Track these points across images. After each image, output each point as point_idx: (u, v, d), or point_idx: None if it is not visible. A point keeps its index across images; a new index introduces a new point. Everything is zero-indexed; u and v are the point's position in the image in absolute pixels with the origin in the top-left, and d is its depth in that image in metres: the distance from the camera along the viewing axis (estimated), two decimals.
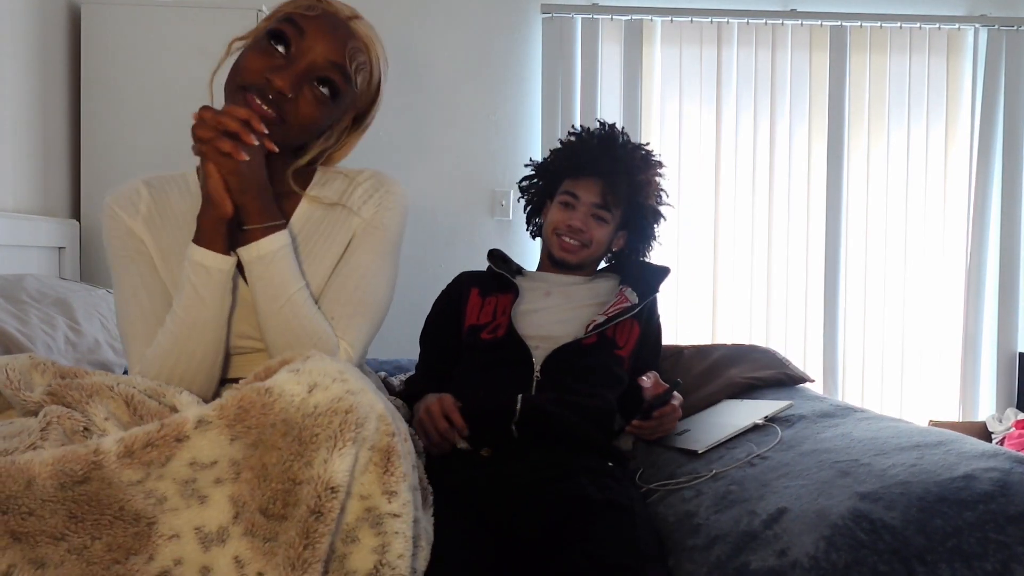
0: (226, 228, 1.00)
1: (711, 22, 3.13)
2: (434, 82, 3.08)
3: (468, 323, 1.49)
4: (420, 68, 3.06)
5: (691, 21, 3.12)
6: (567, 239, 1.54)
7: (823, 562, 0.84)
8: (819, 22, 3.15)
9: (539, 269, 1.64)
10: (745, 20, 3.13)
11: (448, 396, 1.31)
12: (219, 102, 1.03)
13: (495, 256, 1.61)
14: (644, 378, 1.33)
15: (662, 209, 1.63)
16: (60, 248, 2.44)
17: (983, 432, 3.10)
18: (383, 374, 1.73)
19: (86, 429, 0.84)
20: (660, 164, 1.60)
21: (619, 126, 1.63)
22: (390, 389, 1.53)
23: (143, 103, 2.62)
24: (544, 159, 1.68)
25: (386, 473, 0.80)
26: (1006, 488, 0.87)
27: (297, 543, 0.74)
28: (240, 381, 0.86)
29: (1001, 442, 2.94)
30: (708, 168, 3.18)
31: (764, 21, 3.14)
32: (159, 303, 1.09)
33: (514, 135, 3.10)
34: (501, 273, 1.54)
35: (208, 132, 0.94)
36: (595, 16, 3.08)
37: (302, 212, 1.14)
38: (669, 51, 3.16)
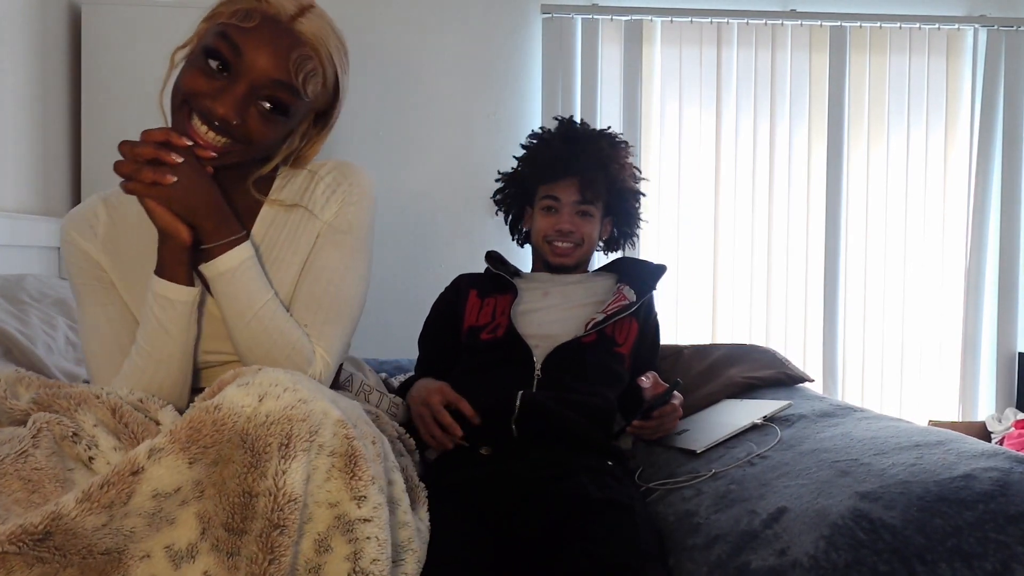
0: (187, 256, 0.96)
1: (711, 22, 3.13)
2: (434, 82, 3.08)
3: (467, 324, 1.50)
4: (420, 68, 3.07)
5: (691, 21, 3.12)
6: (559, 243, 1.54)
7: (823, 562, 0.84)
8: (819, 22, 3.16)
9: (534, 271, 1.64)
10: (745, 20, 3.13)
11: (447, 386, 1.31)
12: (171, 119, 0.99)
13: (493, 258, 1.61)
14: (644, 378, 1.33)
15: (640, 186, 1.64)
16: (60, 248, 2.44)
17: (983, 432, 3.10)
18: (384, 375, 1.73)
19: (75, 435, 0.83)
20: (626, 144, 1.60)
21: (576, 118, 1.62)
22: (389, 390, 1.53)
23: (143, 103, 2.62)
24: (513, 168, 1.66)
25: (352, 478, 0.78)
26: (1006, 488, 0.87)
27: (260, 558, 0.73)
28: (197, 397, 0.85)
29: (1001, 442, 2.94)
30: (708, 168, 3.18)
31: (764, 21, 3.14)
32: (121, 331, 1.06)
33: (514, 135, 3.10)
34: (499, 274, 1.55)
35: (128, 166, 0.90)
36: (595, 16, 3.08)
37: (264, 218, 1.09)
38: (669, 51, 3.16)
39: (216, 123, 0.94)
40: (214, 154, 0.94)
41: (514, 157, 1.66)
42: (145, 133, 0.90)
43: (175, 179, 0.90)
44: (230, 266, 0.97)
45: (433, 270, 3.01)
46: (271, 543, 0.73)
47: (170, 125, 0.97)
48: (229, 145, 0.96)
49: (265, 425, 0.75)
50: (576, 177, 1.52)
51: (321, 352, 1.04)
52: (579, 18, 3.08)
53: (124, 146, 0.90)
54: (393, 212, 3.07)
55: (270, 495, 0.74)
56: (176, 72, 0.99)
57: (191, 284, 0.97)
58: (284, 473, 0.74)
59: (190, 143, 0.93)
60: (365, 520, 0.78)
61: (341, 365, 1.25)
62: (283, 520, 0.74)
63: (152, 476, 0.74)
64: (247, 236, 1.00)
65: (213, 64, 0.94)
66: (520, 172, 1.63)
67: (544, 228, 1.56)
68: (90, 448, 0.84)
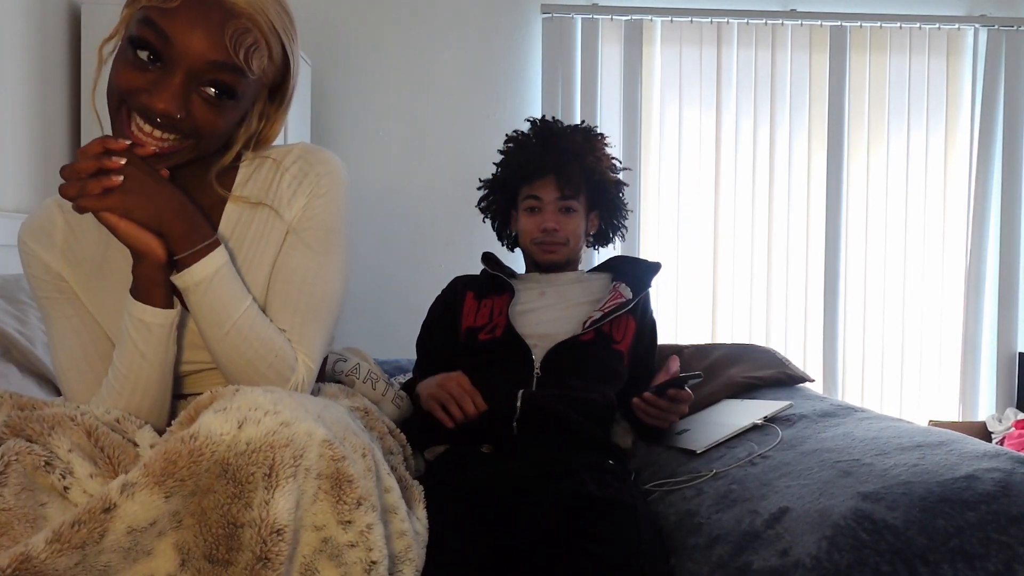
0: (164, 275, 0.90)
1: (711, 22, 3.13)
2: (434, 82, 3.08)
3: (465, 325, 1.50)
4: (420, 68, 3.06)
5: (691, 21, 3.12)
6: (545, 243, 1.54)
7: (825, 562, 0.84)
8: (819, 22, 3.16)
9: (527, 272, 1.64)
10: (745, 20, 3.13)
11: (463, 375, 1.33)
12: (107, 124, 0.91)
13: (489, 259, 1.62)
14: (674, 356, 1.35)
15: (620, 175, 1.64)
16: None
17: (983, 432, 3.10)
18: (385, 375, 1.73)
19: (48, 463, 0.79)
20: (602, 136, 1.60)
21: (549, 116, 1.63)
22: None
23: None
24: (493, 174, 1.66)
25: (339, 502, 0.76)
26: (1008, 488, 0.87)
27: None
28: (186, 401, 0.81)
29: (1001, 442, 2.94)
30: (708, 168, 3.18)
31: (764, 21, 3.14)
32: (88, 343, 1.01)
33: None
34: (496, 275, 1.55)
35: (73, 187, 0.82)
36: (595, 16, 3.08)
37: (230, 216, 1.01)
38: (669, 51, 3.16)
39: (158, 120, 0.85)
40: (154, 148, 0.86)
41: (494, 164, 1.66)
42: (80, 151, 0.83)
43: (121, 178, 0.83)
44: (205, 274, 0.90)
45: (433, 270, 3.01)
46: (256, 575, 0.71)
47: (110, 130, 0.89)
48: (178, 142, 0.88)
49: (247, 454, 0.71)
50: (553, 174, 1.52)
51: (303, 356, 0.98)
52: (579, 18, 3.08)
53: (64, 171, 0.83)
54: (393, 212, 3.07)
55: (255, 526, 0.71)
56: (107, 69, 0.90)
57: (169, 306, 0.91)
58: (268, 503, 0.71)
59: (128, 143, 0.85)
60: (351, 545, 0.76)
61: (326, 359, 1.24)
62: (267, 552, 0.71)
63: (126, 513, 0.70)
64: (219, 241, 0.93)
65: (142, 55, 0.85)
66: (500, 176, 1.63)
67: (529, 229, 1.55)
68: (65, 476, 0.80)
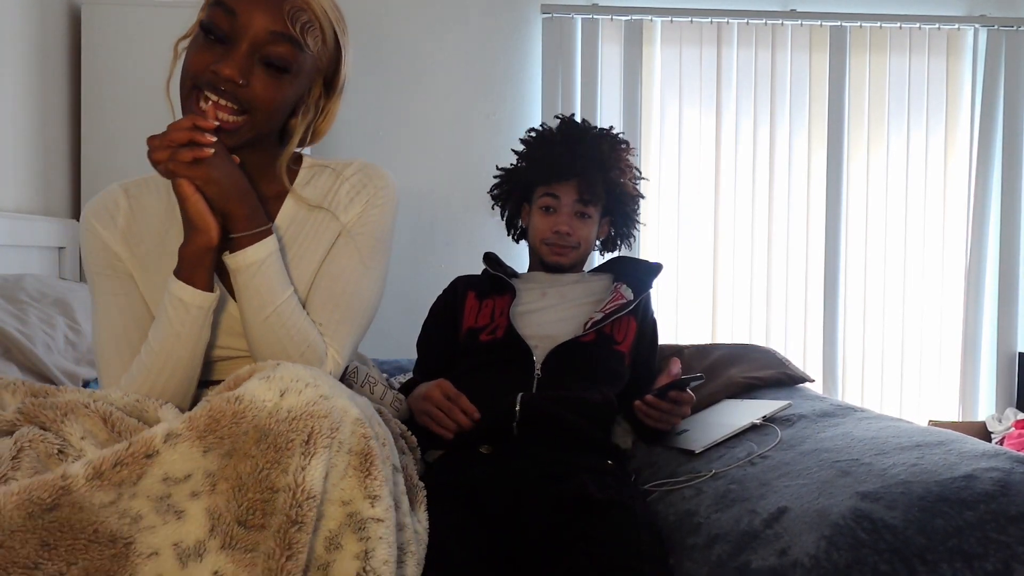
0: (210, 259, 0.95)
1: (711, 22, 3.13)
2: (434, 82, 3.08)
3: (466, 326, 1.50)
4: (420, 68, 3.07)
5: (691, 21, 3.12)
6: (556, 245, 1.54)
7: (824, 562, 0.84)
8: (819, 22, 3.16)
9: (531, 271, 1.64)
10: (745, 20, 3.13)
11: (444, 381, 1.31)
12: (179, 110, 1.00)
13: (490, 259, 1.61)
14: (675, 359, 1.35)
15: (640, 187, 1.64)
16: (60, 248, 2.44)
17: (983, 432, 3.10)
18: (384, 375, 1.73)
19: (61, 451, 0.81)
20: (627, 145, 1.60)
21: (578, 117, 1.62)
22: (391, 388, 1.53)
23: (143, 103, 2.62)
24: (513, 165, 1.65)
25: (368, 477, 0.79)
26: (1007, 488, 0.87)
27: (278, 554, 0.73)
28: (212, 389, 0.84)
29: (1001, 442, 2.94)
30: (708, 168, 3.18)
31: (764, 21, 3.14)
32: (131, 324, 1.05)
33: (514, 135, 3.08)
34: (497, 275, 1.54)
35: (163, 152, 0.90)
36: (595, 16, 3.08)
37: (287, 212, 1.09)
38: (669, 51, 3.16)
39: (223, 88, 0.94)
40: (215, 123, 0.93)
41: (513, 151, 1.65)
42: (172, 125, 0.91)
43: (211, 151, 0.91)
44: (257, 258, 0.97)
45: (433, 270, 3.01)
46: (289, 539, 0.73)
47: (181, 115, 0.98)
48: (237, 117, 0.96)
49: (287, 421, 0.75)
50: (576, 179, 1.52)
51: (333, 352, 1.04)
52: (579, 18, 3.08)
53: (153, 139, 0.91)
54: None
55: (289, 491, 0.74)
56: (180, 63, 1.00)
57: (210, 289, 0.96)
58: (304, 469, 0.74)
59: (215, 124, 0.93)
60: (378, 520, 0.78)
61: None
62: (301, 516, 0.74)
63: (165, 460, 0.74)
64: (272, 230, 1.00)
65: (211, 38, 0.95)
66: (519, 169, 1.62)
67: (542, 228, 1.55)
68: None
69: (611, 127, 1.62)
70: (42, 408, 0.86)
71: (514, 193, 1.66)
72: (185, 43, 1.01)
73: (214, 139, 0.92)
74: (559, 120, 1.61)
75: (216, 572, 0.74)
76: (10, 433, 0.85)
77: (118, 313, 1.05)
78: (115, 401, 0.91)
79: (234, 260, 0.97)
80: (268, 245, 0.98)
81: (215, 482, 0.76)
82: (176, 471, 0.74)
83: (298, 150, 1.12)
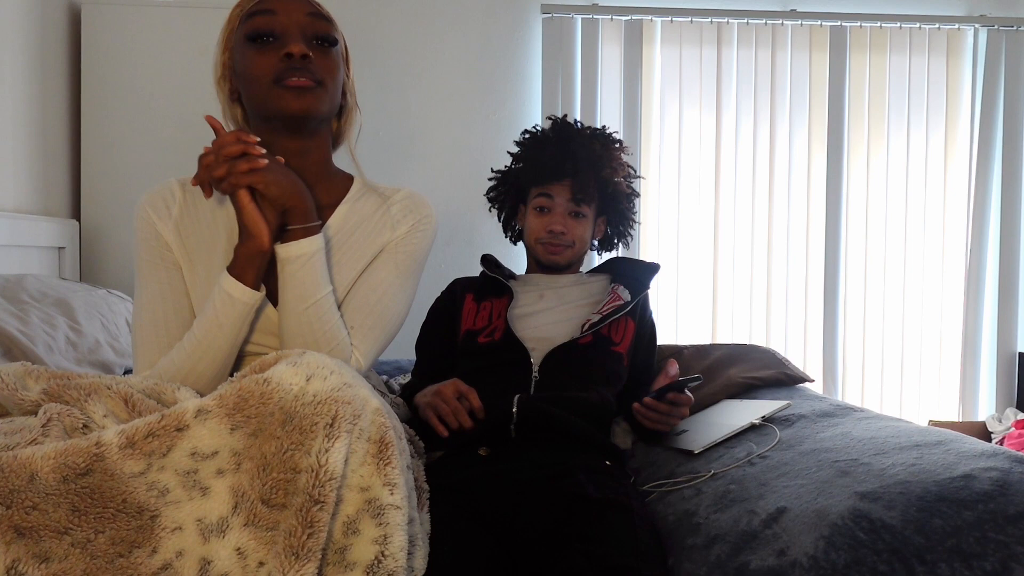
0: (262, 262, 1.04)
1: (711, 22, 3.13)
2: (434, 82, 3.08)
3: (464, 328, 1.50)
4: (420, 68, 3.07)
5: (691, 21, 3.12)
6: (551, 244, 1.54)
7: (823, 562, 0.84)
8: (819, 22, 3.16)
9: (528, 272, 1.64)
10: (745, 20, 3.13)
11: (458, 380, 1.32)
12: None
13: (488, 261, 1.61)
14: (673, 361, 1.36)
15: (635, 185, 1.64)
16: (60, 248, 2.45)
17: (983, 432, 3.10)
18: (384, 376, 1.73)
19: (85, 426, 0.84)
20: (621, 144, 1.59)
21: (575, 116, 1.62)
22: (390, 391, 1.53)
23: (143, 103, 2.62)
24: (507, 167, 1.66)
25: (387, 465, 0.81)
26: (1006, 488, 0.87)
27: (299, 531, 0.75)
28: (236, 374, 0.87)
29: (1001, 442, 2.94)
30: (708, 168, 3.18)
31: (764, 21, 3.14)
32: (171, 312, 1.11)
33: (514, 135, 3.08)
34: (495, 277, 1.55)
35: (222, 168, 0.99)
36: (595, 16, 3.08)
37: (336, 221, 1.17)
38: (669, 51, 3.16)
39: (296, 66, 1.05)
40: (259, 138, 1.02)
41: (508, 153, 1.66)
42: (216, 142, 1.00)
43: (265, 161, 1.01)
44: (306, 251, 1.04)
45: (433, 270, 3.01)
46: (310, 518, 0.75)
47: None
48: (316, 87, 1.07)
49: (312, 404, 0.78)
50: (569, 179, 1.52)
51: (358, 355, 1.10)
52: (579, 18, 3.08)
53: (207, 156, 1.00)
54: None
55: (312, 472, 0.76)
56: (228, 98, 1.15)
57: (257, 288, 1.04)
58: (327, 452, 0.76)
59: (258, 138, 1.02)
60: (396, 507, 0.80)
61: None
62: (323, 496, 0.76)
63: (194, 435, 0.77)
64: (322, 229, 1.08)
65: (262, 41, 1.07)
66: (513, 171, 1.63)
67: (536, 228, 1.55)
68: None
69: (604, 126, 1.62)
70: (66, 388, 0.89)
71: (510, 195, 1.66)
72: (218, 79, 1.14)
73: (263, 149, 1.01)
74: (551, 121, 1.61)
75: (238, 549, 0.77)
76: (35, 413, 0.88)
77: (160, 300, 1.11)
78: (135, 384, 0.94)
79: (286, 250, 1.04)
80: (317, 241, 1.06)
81: (240, 461, 0.78)
82: (204, 446, 0.77)
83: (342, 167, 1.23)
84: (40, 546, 0.73)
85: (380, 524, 0.79)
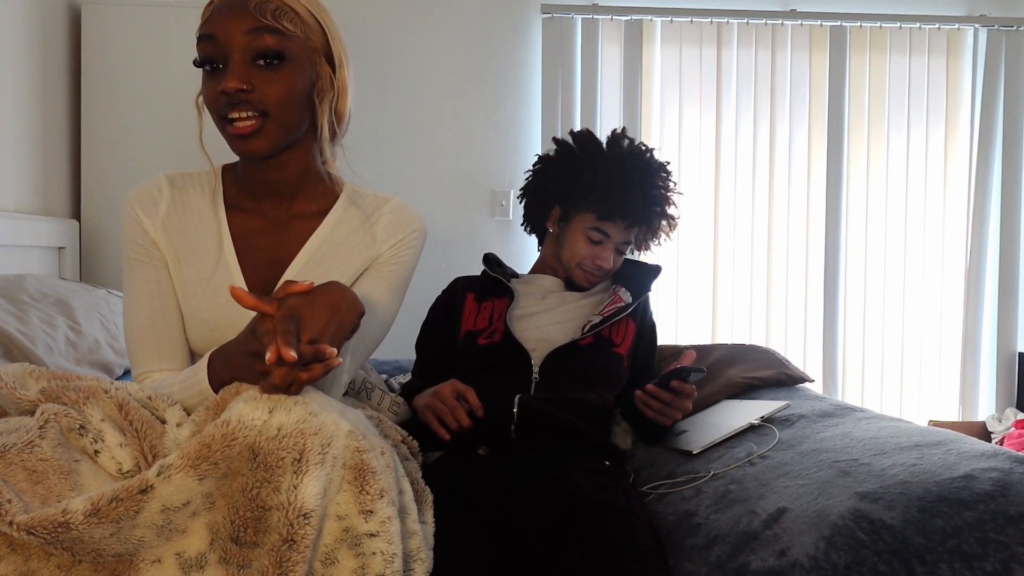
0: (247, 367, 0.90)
1: (711, 22, 3.13)
2: (434, 82, 3.08)
3: (465, 329, 1.49)
4: (420, 68, 3.06)
5: (691, 21, 3.12)
6: (592, 274, 1.52)
7: (823, 562, 0.84)
8: (819, 22, 3.16)
9: (534, 271, 1.63)
10: (745, 20, 3.13)
11: (456, 380, 1.32)
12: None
13: (490, 260, 1.61)
14: (690, 351, 1.34)
15: (671, 212, 1.58)
16: (60, 248, 2.44)
17: (983, 432, 3.10)
18: (384, 376, 1.73)
19: (82, 427, 0.84)
20: (675, 184, 1.56)
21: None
22: (391, 390, 1.53)
23: (143, 103, 2.62)
24: (568, 174, 1.53)
25: (361, 492, 0.78)
26: (1006, 488, 0.87)
27: (270, 571, 0.73)
28: (193, 414, 0.86)
29: (1001, 442, 2.94)
30: (708, 168, 3.18)
31: (764, 21, 3.14)
32: (158, 311, 1.10)
33: (514, 135, 3.10)
34: (496, 277, 1.54)
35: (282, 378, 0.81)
36: (595, 16, 3.08)
37: (323, 232, 1.14)
38: (669, 51, 3.16)
39: (234, 102, 0.99)
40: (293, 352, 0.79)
41: (556, 152, 1.57)
42: (259, 366, 0.84)
43: (295, 356, 0.77)
44: None
45: (433, 270, 3.01)
46: (281, 557, 0.73)
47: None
48: (258, 119, 1.00)
49: (277, 439, 0.75)
50: (637, 225, 1.50)
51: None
52: (579, 18, 3.08)
53: (264, 388, 0.81)
54: None
55: (282, 510, 0.74)
56: (205, 115, 1.09)
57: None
58: (296, 488, 0.74)
59: (295, 356, 0.77)
60: (371, 535, 0.78)
61: None
62: (293, 535, 0.73)
63: (161, 493, 0.74)
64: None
65: (208, 69, 1.02)
66: (574, 191, 1.52)
67: (583, 255, 1.50)
68: (96, 442, 0.85)
69: (668, 162, 1.55)
70: (65, 390, 0.88)
71: (550, 202, 1.58)
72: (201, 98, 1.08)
73: (294, 355, 0.78)
74: (621, 147, 1.52)
75: None
76: (32, 413, 0.87)
77: (147, 298, 1.10)
78: (132, 392, 0.93)
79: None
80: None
81: (214, 500, 0.76)
82: (174, 501, 0.74)
83: (329, 170, 1.17)
84: (28, 565, 0.74)
85: (358, 555, 0.78)
